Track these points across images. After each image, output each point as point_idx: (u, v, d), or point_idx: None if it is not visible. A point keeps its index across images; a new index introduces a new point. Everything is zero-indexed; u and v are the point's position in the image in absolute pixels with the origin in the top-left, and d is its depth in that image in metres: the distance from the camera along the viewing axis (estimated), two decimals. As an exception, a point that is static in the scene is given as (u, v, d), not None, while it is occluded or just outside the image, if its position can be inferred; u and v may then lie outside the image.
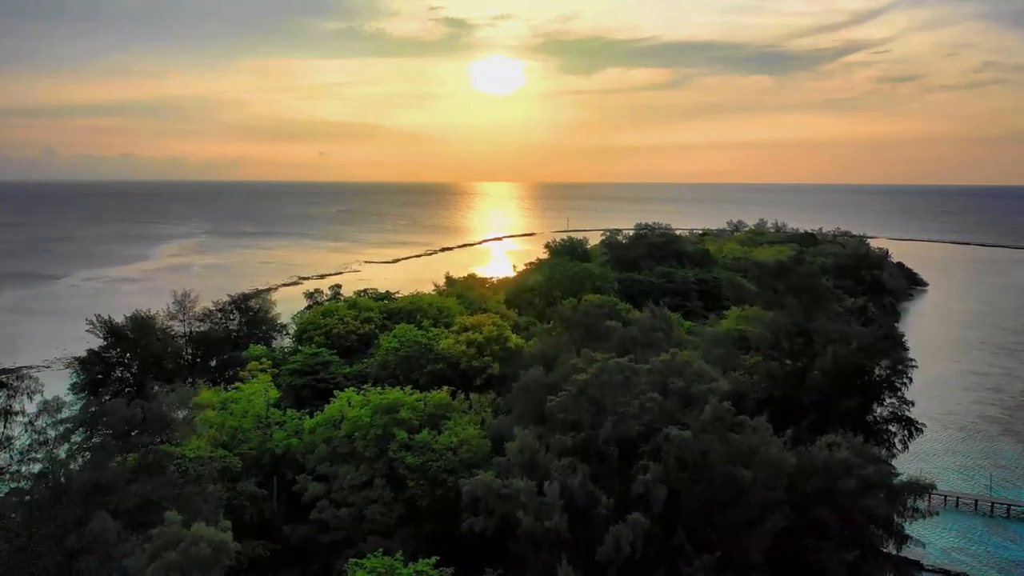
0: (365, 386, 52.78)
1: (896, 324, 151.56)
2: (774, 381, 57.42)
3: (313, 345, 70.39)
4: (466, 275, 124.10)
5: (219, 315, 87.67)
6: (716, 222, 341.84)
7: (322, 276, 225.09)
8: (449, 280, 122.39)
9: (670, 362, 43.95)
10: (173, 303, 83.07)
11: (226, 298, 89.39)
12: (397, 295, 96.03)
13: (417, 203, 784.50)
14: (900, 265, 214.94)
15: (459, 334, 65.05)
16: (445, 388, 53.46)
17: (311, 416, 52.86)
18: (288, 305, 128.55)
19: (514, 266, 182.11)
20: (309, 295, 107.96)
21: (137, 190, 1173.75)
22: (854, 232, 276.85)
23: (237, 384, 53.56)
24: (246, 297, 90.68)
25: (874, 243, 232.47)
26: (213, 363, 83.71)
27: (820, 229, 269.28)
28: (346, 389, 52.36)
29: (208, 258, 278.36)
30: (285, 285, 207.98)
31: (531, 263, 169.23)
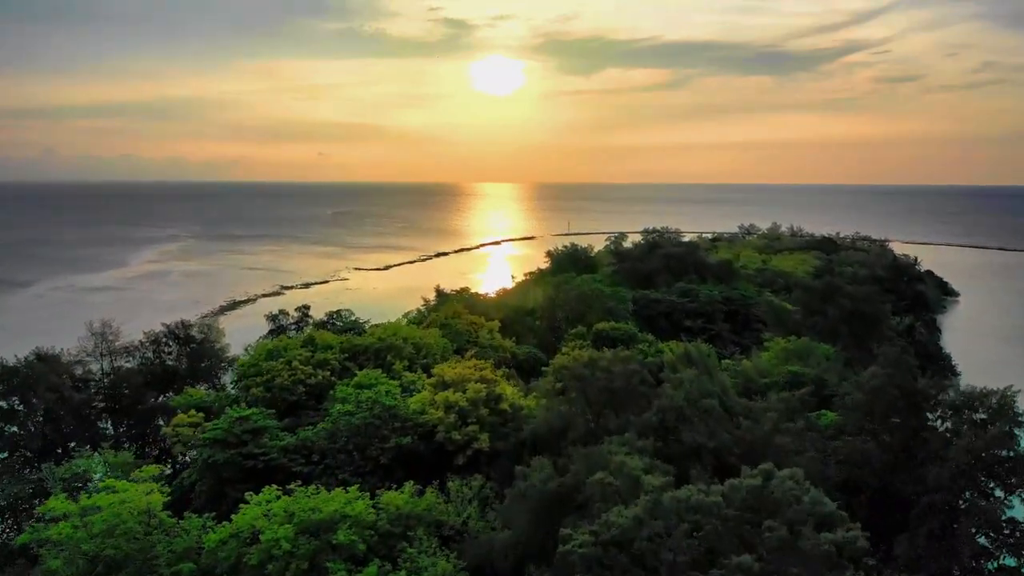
0: (293, 484, 36.70)
1: (938, 343, 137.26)
2: (867, 463, 41.40)
3: (246, 402, 54.16)
4: (459, 289, 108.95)
5: (151, 348, 71.69)
6: (720, 223, 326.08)
7: (307, 285, 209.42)
8: (440, 294, 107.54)
9: (761, 491, 27.62)
10: (89, 336, 67.26)
11: (160, 327, 73.34)
12: (368, 324, 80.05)
13: (415, 204, 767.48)
14: (930, 273, 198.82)
15: (437, 390, 48.93)
16: (408, 485, 37.54)
17: (222, 519, 36.94)
18: (253, 322, 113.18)
19: (512, 276, 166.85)
20: (272, 317, 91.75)
21: (136, 191, 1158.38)
22: (873, 236, 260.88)
23: (108, 480, 37.40)
24: (186, 326, 74.48)
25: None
26: (142, 407, 68.05)
27: (838, 233, 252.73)
28: (265, 489, 36.16)
29: (190, 264, 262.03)
30: (266, 295, 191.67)
31: (531, 273, 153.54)
